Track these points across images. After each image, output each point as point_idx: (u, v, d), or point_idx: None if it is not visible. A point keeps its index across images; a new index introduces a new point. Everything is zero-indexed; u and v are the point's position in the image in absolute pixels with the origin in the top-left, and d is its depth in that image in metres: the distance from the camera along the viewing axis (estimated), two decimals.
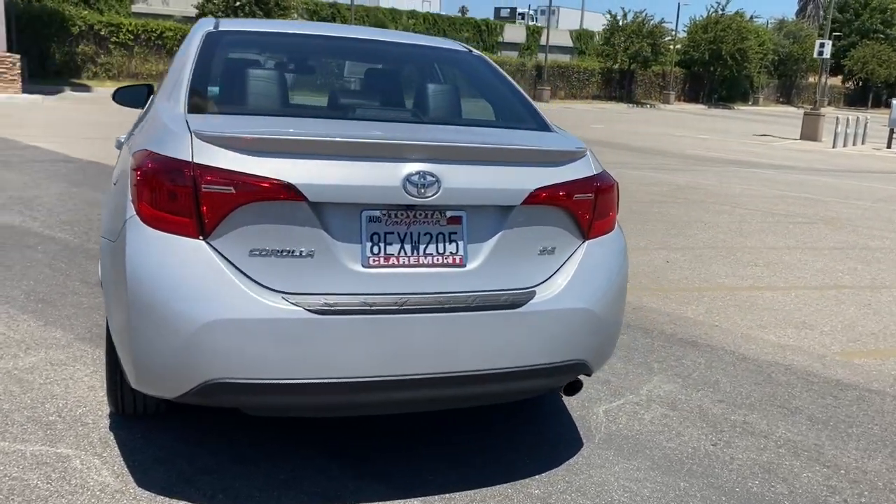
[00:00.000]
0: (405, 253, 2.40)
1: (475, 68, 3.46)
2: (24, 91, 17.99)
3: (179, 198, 2.27)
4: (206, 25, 3.22)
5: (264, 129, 2.45)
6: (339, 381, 2.33)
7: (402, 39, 3.73)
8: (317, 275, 2.33)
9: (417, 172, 2.36)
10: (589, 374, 2.78)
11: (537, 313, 2.49)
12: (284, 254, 2.30)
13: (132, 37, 24.88)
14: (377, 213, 2.37)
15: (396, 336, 2.35)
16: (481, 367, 2.45)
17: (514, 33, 45.66)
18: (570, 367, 2.63)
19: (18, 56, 18.13)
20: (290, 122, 2.66)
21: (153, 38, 25.39)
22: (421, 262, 2.41)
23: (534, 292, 2.52)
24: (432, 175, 2.37)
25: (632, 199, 8.92)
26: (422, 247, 2.41)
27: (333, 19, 35.36)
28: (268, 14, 27.14)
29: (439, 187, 2.38)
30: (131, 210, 2.34)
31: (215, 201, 2.26)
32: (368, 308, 2.32)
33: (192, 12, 28.13)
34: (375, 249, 2.37)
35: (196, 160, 2.27)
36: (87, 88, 21.68)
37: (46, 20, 22.92)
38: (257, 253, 2.30)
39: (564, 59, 43.26)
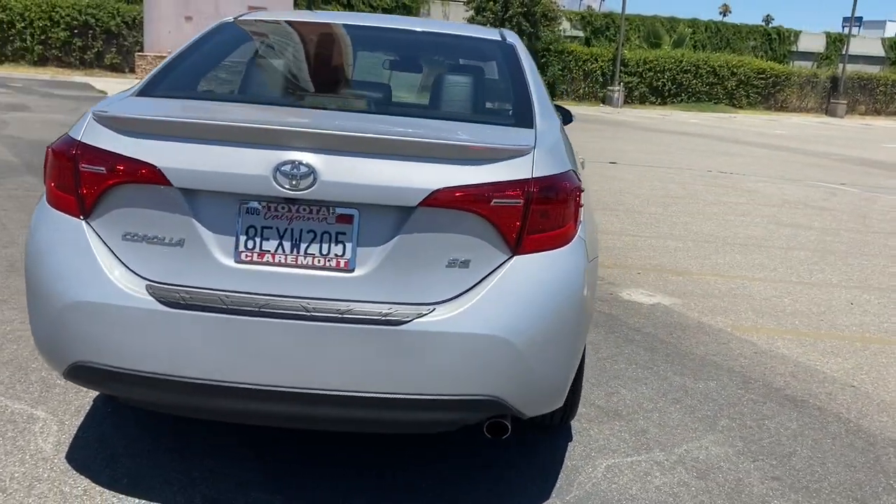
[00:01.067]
0: (283, 250, 2.18)
1: (491, 57, 3.11)
2: None
3: (65, 176, 2.26)
4: (229, 17, 3.23)
5: (155, 111, 2.35)
6: (189, 380, 2.17)
7: (426, 28, 3.44)
8: (185, 265, 2.20)
9: (290, 162, 2.13)
10: (521, 416, 2.29)
11: (427, 334, 2.11)
12: (155, 240, 2.21)
13: None
14: (256, 205, 2.18)
15: (251, 341, 2.13)
16: (350, 389, 2.14)
17: (812, 42, 41.42)
18: (477, 404, 2.18)
19: None
20: (201, 106, 2.55)
21: None
22: (300, 262, 2.18)
23: (433, 309, 2.14)
24: (306, 165, 2.12)
25: None
26: (303, 245, 2.18)
27: (607, 29, 34.84)
28: (534, 25, 27.60)
29: (315, 180, 2.12)
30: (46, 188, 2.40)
31: (90, 180, 2.22)
32: (223, 307, 2.13)
33: None
34: (250, 244, 2.18)
35: (82, 139, 2.25)
36: None
37: None
38: (129, 237, 2.22)
39: (873, 70, 38.28)
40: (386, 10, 28.88)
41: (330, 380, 2.14)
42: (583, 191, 2.42)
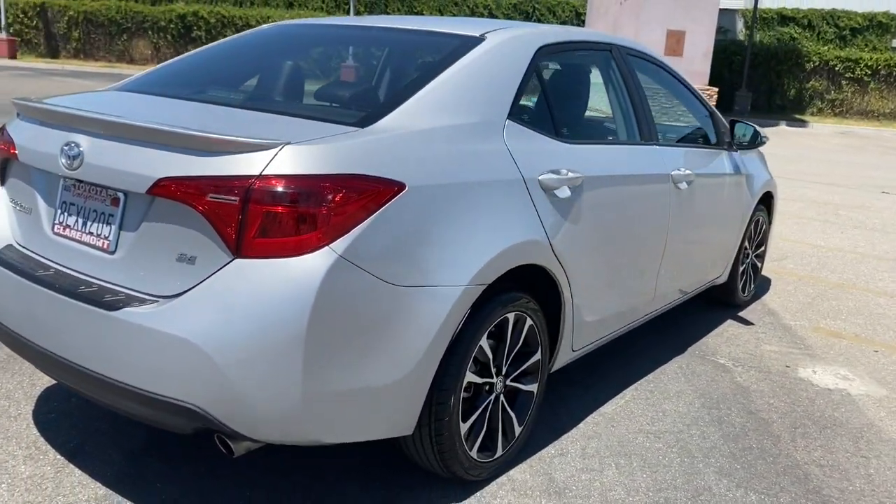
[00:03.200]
0: (77, 226, 2.30)
1: (437, 53, 2.71)
2: None
3: None
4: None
5: (60, 101, 2.51)
6: (3, 325, 2.38)
7: (402, 24, 3.08)
8: (31, 231, 2.44)
9: (68, 143, 2.26)
10: (228, 435, 2.04)
11: (131, 325, 2.03)
12: (19, 207, 2.50)
13: (869, 72, 23.53)
14: (69, 182, 2.32)
15: (28, 301, 2.27)
16: (81, 364, 2.15)
17: None
18: (177, 409, 2.00)
19: (716, 90, 18.99)
20: (97, 96, 2.70)
21: (894, 72, 23.40)
22: (83, 238, 2.28)
23: (156, 301, 2.05)
24: (77, 146, 2.23)
25: None
26: (88, 223, 2.27)
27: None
28: None
29: (83, 160, 2.22)
30: None
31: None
32: (18, 268, 2.33)
33: None
34: (60, 218, 2.35)
35: (5, 125, 2.61)
36: (802, 123, 21.92)
37: (782, 56, 23.96)
38: (13, 203, 2.53)
39: None
40: None
41: (72, 351, 2.17)
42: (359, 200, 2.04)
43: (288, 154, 1.99)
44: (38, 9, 27.76)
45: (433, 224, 2.20)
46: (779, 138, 17.93)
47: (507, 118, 2.59)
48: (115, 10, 27.28)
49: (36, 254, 2.39)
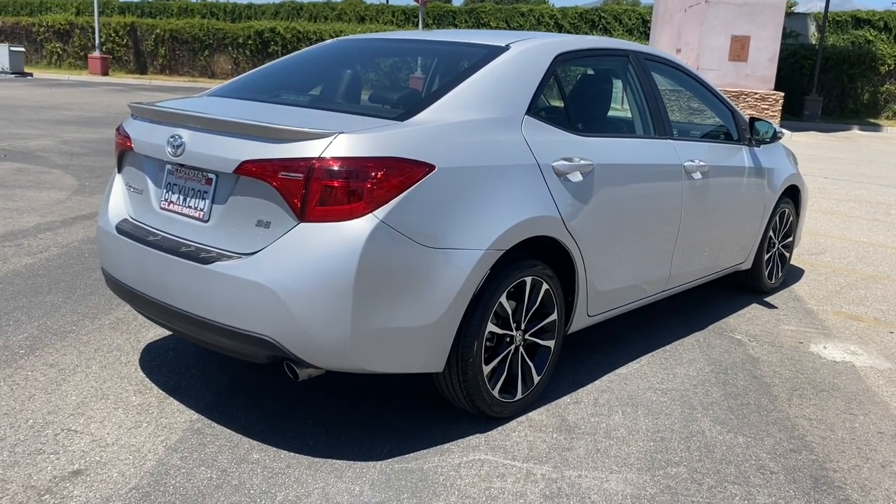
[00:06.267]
0: (179, 202, 2.89)
1: (464, 60, 3.28)
2: (782, 126, 18.61)
3: (116, 147, 3.31)
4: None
5: (165, 104, 3.19)
6: (123, 282, 3.03)
7: (433, 37, 3.70)
8: (142, 207, 3.06)
9: (173, 135, 2.85)
10: (294, 362, 2.63)
11: (221, 275, 2.62)
12: (132, 189, 3.14)
13: None
14: (173, 167, 2.91)
15: (141, 261, 2.89)
16: (184, 308, 2.75)
17: None
18: (255, 340, 2.60)
19: (782, 94, 19.14)
20: (197, 100, 3.33)
21: None
22: (183, 211, 2.87)
23: (240, 257, 2.64)
24: (180, 137, 2.82)
25: None
26: (187, 199, 2.86)
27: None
28: None
29: (184, 149, 2.80)
30: None
31: (118, 149, 3.25)
32: (134, 235, 2.96)
33: None
34: (166, 195, 2.94)
35: (122, 124, 3.27)
36: (876, 127, 22.05)
37: (855, 60, 23.98)
38: (128, 186, 3.18)
39: None
40: None
41: (176, 299, 2.78)
42: (401, 178, 2.58)
43: (341, 141, 2.56)
44: (128, 28, 29.62)
45: (458, 199, 2.72)
46: (849, 143, 17.77)
47: (526, 114, 3.10)
48: (199, 27, 28.89)
49: (146, 225, 3.01)
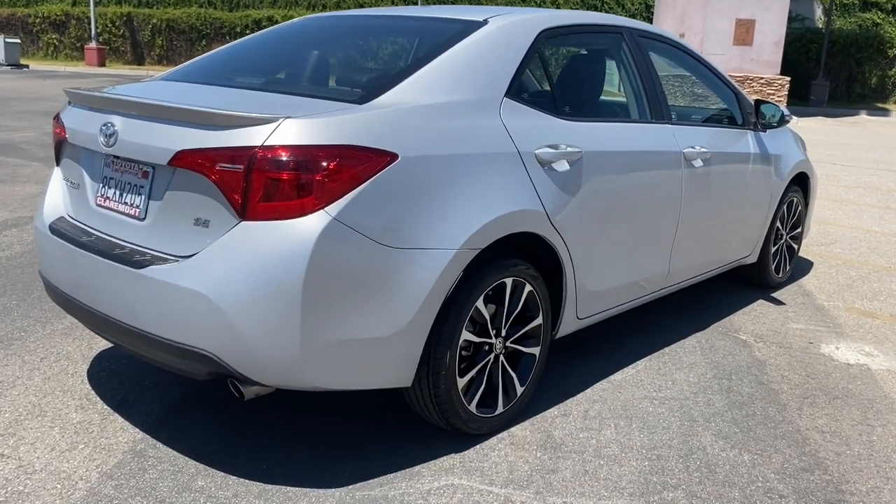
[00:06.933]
0: (115, 197, 2.59)
1: (439, 36, 2.91)
2: (793, 113, 18.04)
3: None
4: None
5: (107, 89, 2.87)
6: (58, 288, 2.73)
7: (408, 13, 3.33)
8: (80, 204, 2.76)
9: (105, 123, 2.55)
10: (237, 379, 2.31)
11: (154, 281, 2.32)
12: (70, 183, 2.84)
13: None
14: (109, 159, 2.62)
15: (75, 265, 2.59)
16: (117, 317, 2.46)
17: None
18: (192, 354, 2.29)
19: (788, 79, 18.89)
20: (138, 86, 2.99)
21: None
22: (119, 208, 2.57)
23: (177, 261, 2.33)
24: (113, 125, 2.53)
25: None
26: (124, 194, 2.56)
27: None
28: None
29: (117, 138, 2.50)
30: None
31: (55, 140, 2.94)
32: (67, 236, 2.65)
33: None
34: (102, 191, 2.64)
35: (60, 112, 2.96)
36: (884, 112, 21.56)
37: (862, 43, 23.36)
38: (66, 180, 2.88)
39: None
40: None
41: (109, 306, 2.48)
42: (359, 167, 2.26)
43: (287, 127, 2.23)
44: (125, 18, 29.25)
45: (426, 192, 2.40)
46: (858, 128, 17.38)
47: (505, 96, 2.77)
48: (196, 17, 28.50)
49: (82, 223, 2.71)
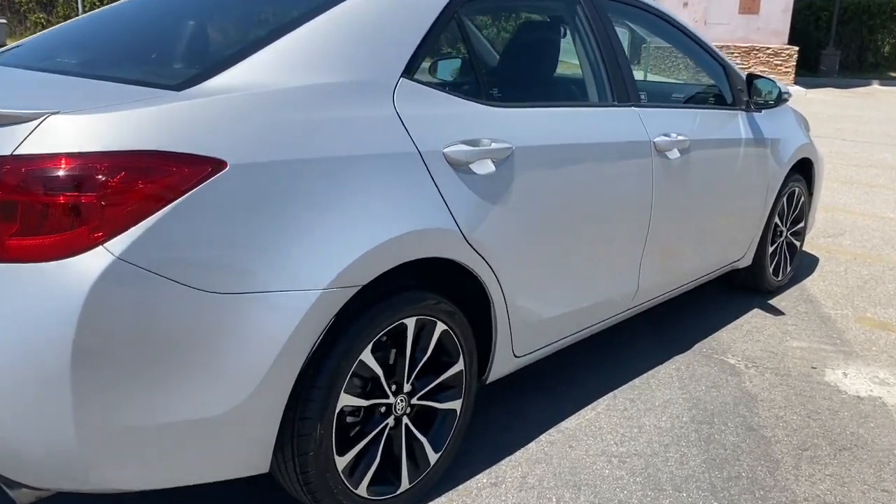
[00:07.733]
0: None
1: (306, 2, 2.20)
2: (797, 83, 17.87)
3: None
4: None
5: None
6: None
7: None
8: None
9: None
10: (13, 486, 1.66)
11: None
12: None
13: None
14: None
15: None
16: None
17: None
18: None
19: (796, 49, 18.18)
20: None
21: None
22: None
23: None
24: None
25: None
26: None
27: None
28: None
29: None
30: None
31: None
32: None
33: None
34: None
35: None
36: None
37: (875, 10, 22.38)
38: None
39: None
40: None
41: None
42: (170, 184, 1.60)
43: (51, 126, 1.56)
44: None
45: (273, 213, 1.74)
46: (870, 99, 16.55)
47: (402, 76, 2.09)
48: None
49: None
